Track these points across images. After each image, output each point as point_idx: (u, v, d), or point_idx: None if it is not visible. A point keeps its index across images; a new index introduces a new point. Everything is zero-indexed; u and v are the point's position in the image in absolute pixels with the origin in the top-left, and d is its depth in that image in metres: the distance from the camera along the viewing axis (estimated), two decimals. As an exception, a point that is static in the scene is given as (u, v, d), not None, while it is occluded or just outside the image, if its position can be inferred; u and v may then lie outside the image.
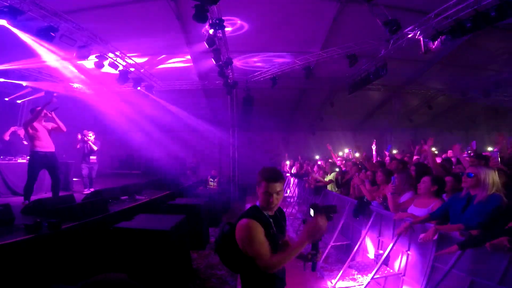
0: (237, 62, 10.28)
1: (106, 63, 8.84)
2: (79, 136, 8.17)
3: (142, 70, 10.70)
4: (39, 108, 5.63)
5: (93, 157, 8.03)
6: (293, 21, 8.51)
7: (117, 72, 9.51)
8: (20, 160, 7.39)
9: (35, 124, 5.57)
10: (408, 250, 3.56)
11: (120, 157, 14.01)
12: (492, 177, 2.80)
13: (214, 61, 8.93)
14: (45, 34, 6.60)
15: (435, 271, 3.04)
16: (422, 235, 3.01)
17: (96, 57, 8.53)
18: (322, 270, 4.82)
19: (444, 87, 13.33)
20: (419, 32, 7.59)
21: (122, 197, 6.16)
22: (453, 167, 4.65)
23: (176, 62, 10.93)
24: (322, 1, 7.65)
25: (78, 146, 8.15)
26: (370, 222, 4.24)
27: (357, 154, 9.22)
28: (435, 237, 2.93)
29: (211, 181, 10.61)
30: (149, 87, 11.59)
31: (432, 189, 3.45)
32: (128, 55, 9.52)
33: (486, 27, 5.99)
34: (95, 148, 8.07)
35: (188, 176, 12.10)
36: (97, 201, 4.89)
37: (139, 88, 11.04)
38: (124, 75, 9.67)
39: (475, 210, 2.77)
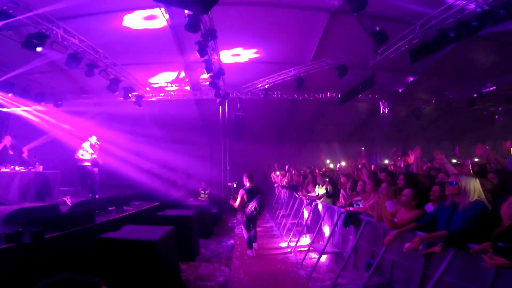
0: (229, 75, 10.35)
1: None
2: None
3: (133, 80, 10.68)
4: None
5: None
6: (284, 32, 8.68)
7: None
8: (3, 170, 7.18)
9: None
10: (398, 258, 3.54)
11: (108, 167, 13.75)
12: (473, 184, 2.84)
13: (205, 71, 8.97)
14: (34, 40, 6.56)
15: (425, 278, 3.02)
16: (407, 245, 2.98)
17: (86, 65, 8.48)
18: (314, 281, 4.75)
19: (431, 97, 13.67)
20: (405, 42, 7.81)
21: (110, 208, 6.01)
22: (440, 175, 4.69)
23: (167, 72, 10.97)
24: (312, 12, 7.84)
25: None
26: (360, 232, 4.21)
27: (343, 163, 9.26)
28: (421, 246, 2.90)
29: (202, 193, 10.46)
30: (139, 97, 11.54)
31: (413, 203, 3.47)
32: (120, 64, 9.51)
33: (469, 36, 6.22)
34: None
35: (178, 187, 11.90)
36: (83, 212, 4.75)
37: (130, 95, 10.96)
38: (114, 84, 9.62)
39: (460, 218, 2.80)
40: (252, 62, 10.36)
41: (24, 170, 7.69)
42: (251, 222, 6.14)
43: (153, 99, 12.16)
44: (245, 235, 6.23)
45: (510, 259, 2.04)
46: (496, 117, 14.17)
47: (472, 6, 5.92)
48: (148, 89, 11.91)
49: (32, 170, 8.00)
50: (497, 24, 5.64)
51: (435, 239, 2.83)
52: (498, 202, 2.68)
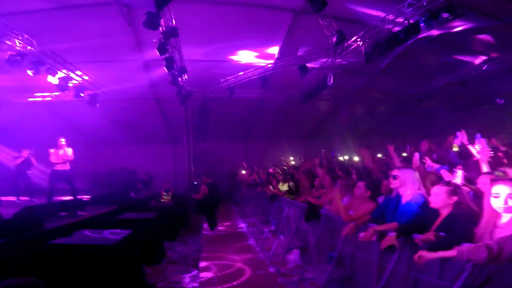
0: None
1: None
2: None
3: (86, 78, 10.01)
4: None
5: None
6: (249, 30, 8.69)
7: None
8: None
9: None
10: (357, 251, 3.64)
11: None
12: (413, 177, 3.03)
13: (166, 70, 8.69)
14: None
15: (382, 270, 3.09)
16: (361, 234, 3.11)
17: (31, 62, 7.80)
18: (282, 277, 4.82)
19: (384, 96, 14.55)
20: (361, 43, 8.21)
21: (61, 213, 5.58)
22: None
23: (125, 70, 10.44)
24: (277, 11, 7.92)
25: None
26: (320, 226, 4.33)
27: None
28: (374, 237, 3.02)
29: (164, 195, 10.13)
30: (93, 95, 10.84)
31: (366, 195, 3.60)
32: (70, 61, 8.88)
33: (416, 36, 6.72)
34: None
35: (139, 190, 11.41)
36: (28, 218, 4.36)
37: (82, 94, 10.26)
38: (64, 82, 8.95)
39: (403, 210, 2.99)
40: (216, 60, 10.23)
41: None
42: (210, 208, 8.16)
43: (103, 98, 11.48)
44: (208, 220, 8.25)
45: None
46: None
47: (421, 9, 6.39)
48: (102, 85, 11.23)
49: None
50: (441, 25, 6.15)
51: (386, 230, 2.97)
52: None
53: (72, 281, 3.37)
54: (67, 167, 7.12)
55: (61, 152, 7.07)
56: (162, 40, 7.24)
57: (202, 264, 5.61)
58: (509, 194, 2.02)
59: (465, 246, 1.94)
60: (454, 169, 3.27)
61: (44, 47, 7.86)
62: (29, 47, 7.48)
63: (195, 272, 5.19)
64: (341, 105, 14.55)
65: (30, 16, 7.03)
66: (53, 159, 7.02)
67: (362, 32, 7.99)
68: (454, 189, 2.55)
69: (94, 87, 10.70)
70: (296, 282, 4.35)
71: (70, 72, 9.15)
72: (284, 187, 6.99)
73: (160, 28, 6.71)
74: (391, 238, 2.69)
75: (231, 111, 13.53)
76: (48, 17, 7.21)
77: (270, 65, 10.17)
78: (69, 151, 7.20)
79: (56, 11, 7.07)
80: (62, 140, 7.15)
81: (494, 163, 3.69)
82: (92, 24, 7.63)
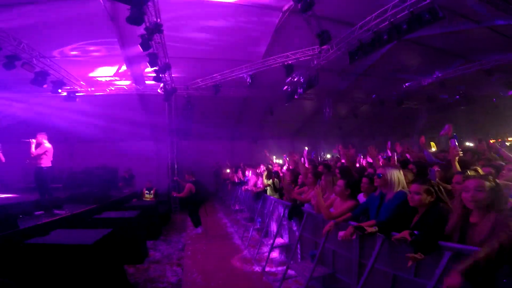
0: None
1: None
2: None
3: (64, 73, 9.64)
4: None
5: None
6: (237, 28, 8.63)
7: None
8: None
9: None
10: (338, 248, 3.72)
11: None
12: (397, 175, 3.09)
13: (149, 66, 8.51)
14: None
15: (362, 267, 3.17)
16: (341, 233, 3.14)
17: (5, 57, 7.45)
18: (267, 275, 4.84)
19: (366, 97, 14.87)
20: (346, 43, 8.32)
21: (37, 212, 5.35)
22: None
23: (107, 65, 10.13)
24: (265, 10, 7.91)
25: None
26: (302, 223, 4.37)
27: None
28: (354, 236, 3.07)
29: (146, 193, 9.94)
30: (72, 91, 10.47)
31: (346, 193, 3.65)
32: (48, 56, 8.54)
33: (399, 38, 6.88)
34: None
35: (120, 188, 11.12)
36: (1, 216, 4.14)
37: (60, 90, 9.87)
38: (41, 77, 8.58)
39: (386, 207, 3.04)
40: (202, 58, 10.11)
41: None
42: (195, 206, 7.92)
43: (82, 94, 11.10)
44: (192, 218, 7.92)
45: (422, 250, 2.28)
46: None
47: (404, 11, 6.54)
48: (82, 83, 10.86)
49: None
50: (423, 28, 6.32)
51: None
52: None
53: (49, 282, 3.27)
54: (48, 163, 6.79)
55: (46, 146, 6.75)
56: (146, 36, 7.08)
57: (187, 262, 5.55)
58: (491, 189, 2.09)
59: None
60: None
61: (21, 41, 7.53)
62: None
63: (178, 271, 5.13)
64: (325, 104, 14.74)
65: (6, 9, 6.73)
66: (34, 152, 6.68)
67: (347, 33, 8.11)
68: (432, 188, 2.61)
69: (73, 83, 10.33)
70: (280, 280, 4.37)
71: (47, 67, 8.77)
72: (268, 182, 7.04)
73: (144, 23, 6.56)
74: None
75: (216, 108, 13.43)
76: (29, 10, 6.92)
77: (256, 64, 10.15)
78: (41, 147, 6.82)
79: (37, 4, 6.81)
80: (40, 137, 6.82)
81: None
82: (73, 18, 7.38)
